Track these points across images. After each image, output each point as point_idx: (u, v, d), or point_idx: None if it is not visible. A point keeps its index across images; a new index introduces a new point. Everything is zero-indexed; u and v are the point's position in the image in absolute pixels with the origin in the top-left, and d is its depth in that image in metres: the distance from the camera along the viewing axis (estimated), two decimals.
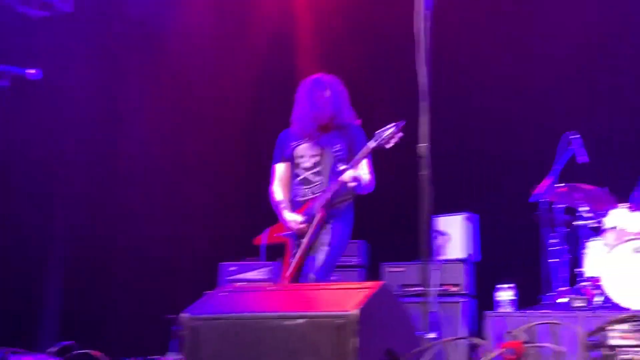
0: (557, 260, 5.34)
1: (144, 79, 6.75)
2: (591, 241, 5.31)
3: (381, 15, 6.36)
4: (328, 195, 3.42)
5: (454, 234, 5.39)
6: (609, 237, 5.23)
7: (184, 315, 2.71)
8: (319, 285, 3.23)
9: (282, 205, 3.60)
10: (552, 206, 5.47)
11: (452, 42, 5.81)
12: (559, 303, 5.06)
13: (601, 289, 4.91)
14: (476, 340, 2.18)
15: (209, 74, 6.72)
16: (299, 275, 3.46)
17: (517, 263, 4.81)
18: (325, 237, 3.46)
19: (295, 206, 3.59)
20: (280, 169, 3.70)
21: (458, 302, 5.21)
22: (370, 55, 6.46)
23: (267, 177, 3.74)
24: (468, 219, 5.39)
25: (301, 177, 3.58)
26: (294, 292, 2.98)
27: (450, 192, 6.43)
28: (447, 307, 5.16)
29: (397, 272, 5.49)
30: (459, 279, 5.28)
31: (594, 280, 5.13)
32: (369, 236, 6.15)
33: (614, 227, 5.19)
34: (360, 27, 6.50)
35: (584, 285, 5.15)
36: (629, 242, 4.90)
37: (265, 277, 5.23)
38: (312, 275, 3.40)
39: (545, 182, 5.24)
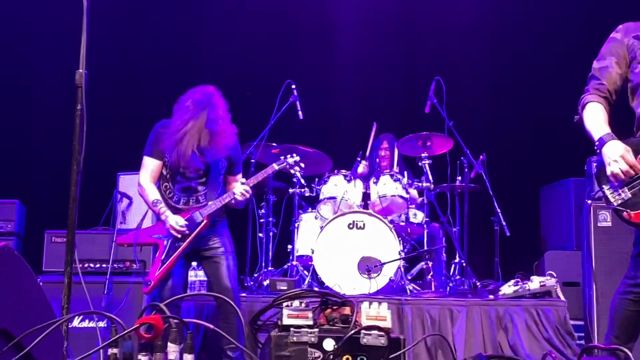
0: (263, 235, 4.53)
1: None
2: (305, 214, 4.58)
3: None
4: (219, 204, 3.47)
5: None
6: (324, 210, 4.54)
7: None
8: None
9: (160, 206, 3.47)
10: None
11: None
12: (261, 286, 4.34)
13: (312, 269, 4.21)
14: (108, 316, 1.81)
15: None
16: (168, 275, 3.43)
17: None
18: (219, 244, 3.51)
19: (172, 211, 3.48)
20: (153, 164, 3.50)
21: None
22: None
23: None
24: None
25: (184, 185, 3.52)
26: None
27: None
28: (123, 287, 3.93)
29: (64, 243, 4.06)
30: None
31: (305, 260, 4.41)
32: (28, 199, 4.68)
33: (332, 198, 4.51)
34: None
35: (294, 265, 4.39)
36: (342, 217, 4.25)
37: None
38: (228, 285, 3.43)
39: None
